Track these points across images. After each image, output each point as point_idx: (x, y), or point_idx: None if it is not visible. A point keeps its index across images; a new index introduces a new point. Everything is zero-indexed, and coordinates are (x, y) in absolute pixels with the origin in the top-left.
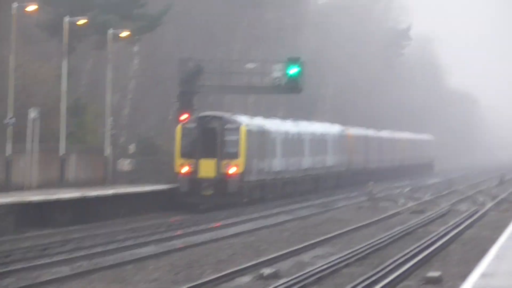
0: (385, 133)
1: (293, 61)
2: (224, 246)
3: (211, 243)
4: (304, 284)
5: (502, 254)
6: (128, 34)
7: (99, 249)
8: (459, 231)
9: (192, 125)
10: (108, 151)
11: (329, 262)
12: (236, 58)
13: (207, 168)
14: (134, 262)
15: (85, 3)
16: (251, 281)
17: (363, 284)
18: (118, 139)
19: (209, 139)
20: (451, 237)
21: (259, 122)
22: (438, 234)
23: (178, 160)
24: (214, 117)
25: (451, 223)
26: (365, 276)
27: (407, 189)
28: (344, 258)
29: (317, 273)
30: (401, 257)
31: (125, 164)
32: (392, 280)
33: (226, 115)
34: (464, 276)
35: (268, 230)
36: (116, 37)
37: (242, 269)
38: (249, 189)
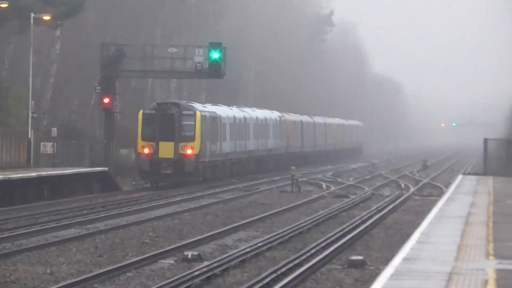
0: (318, 119)
1: (214, 46)
2: (147, 229)
3: (133, 225)
4: (227, 267)
5: (424, 239)
6: (50, 19)
7: (22, 231)
8: (382, 216)
9: (152, 111)
10: (30, 134)
11: (252, 246)
12: (158, 43)
13: (166, 149)
14: (57, 244)
15: None
16: (174, 263)
17: (286, 268)
18: (41, 122)
19: (168, 124)
20: (374, 222)
21: (210, 108)
22: (361, 218)
23: (140, 143)
24: (172, 104)
25: (374, 208)
26: (288, 260)
27: (331, 173)
28: (267, 241)
29: (239, 256)
30: (324, 241)
31: (47, 148)
32: (314, 264)
33: (183, 102)
34: (387, 260)
35: (191, 213)
36: (38, 21)
37: (165, 252)
38: (203, 169)
